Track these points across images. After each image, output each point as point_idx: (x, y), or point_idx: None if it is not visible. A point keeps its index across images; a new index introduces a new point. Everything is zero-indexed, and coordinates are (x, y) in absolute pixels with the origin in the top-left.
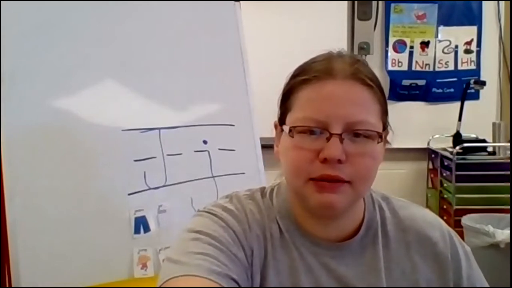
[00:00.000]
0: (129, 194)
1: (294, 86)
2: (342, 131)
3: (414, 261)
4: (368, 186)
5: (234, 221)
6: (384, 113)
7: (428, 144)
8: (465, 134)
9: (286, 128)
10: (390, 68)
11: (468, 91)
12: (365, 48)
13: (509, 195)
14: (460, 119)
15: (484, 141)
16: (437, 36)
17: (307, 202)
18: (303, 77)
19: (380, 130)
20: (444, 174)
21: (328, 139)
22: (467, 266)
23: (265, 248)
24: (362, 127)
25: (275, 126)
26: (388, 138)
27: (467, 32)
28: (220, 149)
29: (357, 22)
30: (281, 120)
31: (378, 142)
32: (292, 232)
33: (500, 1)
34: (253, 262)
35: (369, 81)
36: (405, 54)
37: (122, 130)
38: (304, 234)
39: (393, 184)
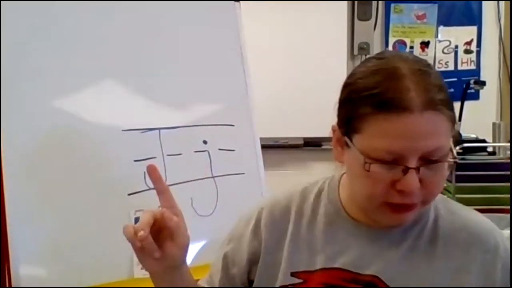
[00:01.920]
0: (129, 194)
1: (362, 107)
2: (418, 163)
3: (460, 262)
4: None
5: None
6: (453, 125)
7: None
8: (465, 134)
9: (355, 152)
10: None
11: (468, 91)
12: (365, 48)
13: (509, 195)
14: (460, 119)
15: (484, 141)
16: (437, 36)
17: (378, 219)
18: (375, 101)
19: (450, 146)
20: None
21: (404, 172)
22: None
23: (284, 231)
24: (437, 154)
25: (334, 131)
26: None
27: (467, 32)
28: (220, 149)
29: (357, 22)
30: (345, 131)
31: (449, 162)
32: (336, 216)
33: (500, 1)
34: (265, 251)
35: (443, 106)
36: None
37: (122, 130)
38: (348, 218)
39: None
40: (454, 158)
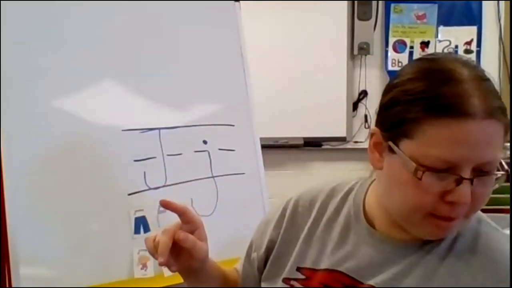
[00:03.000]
0: (129, 194)
1: (415, 110)
2: (472, 174)
3: (462, 283)
4: None
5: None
6: (506, 133)
7: None
8: None
9: (403, 158)
10: (390, 68)
11: None
12: (365, 48)
13: (509, 195)
14: None
15: None
16: (437, 36)
17: (417, 230)
18: (432, 105)
19: (503, 158)
20: None
21: (457, 182)
22: None
23: (303, 224)
24: (491, 167)
25: (373, 134)
26: None
27: (467, 32)
28: (220, 149)
29: (357, 22)
30: (390, 135)
31: (498, 176)
32: (355, 220)
33: (500, 1)
34: (281, 240)
35: (502, 116)
36: (405, 54)
37: (122, 130)
38: (365, 221)
39: None
40: (506, 171)
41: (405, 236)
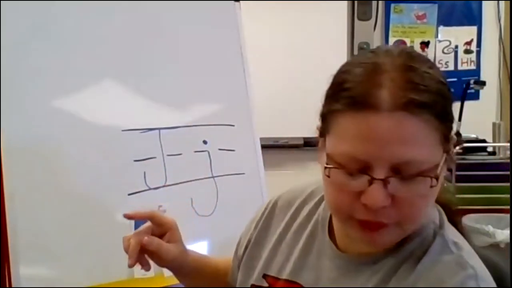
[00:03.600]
0: (129, 194)
1: (335, 103)
2: (386, 174)
3: None
4: (418, 223)
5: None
6: (446, 136)
7: None
8: (465, 134)
9: (324, 154)
10: None
11: (468, 91)
12: (365, 48)
13: (509, 195)
14: (460, 119)
15: (484, 141)
16: (437, 36)
17: (350, 233)
18: (343, 96)
19: (437, 161)
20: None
21: (370, 183)
22: None
23: (275, 228)
24: (411, 169)
25: (317, 129)
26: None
27: (467, 32)
28: (220, 149)
29: (357, 22)
30: (321, 132)
31: (432, 183)
32: (321, 229)
33: (500, 1)
34: (254, 241)
35: (424, 109)
36: None
37: (122, 130)
38: (328, 235)
39: None
40: (437, 177)
41: (360, 248)
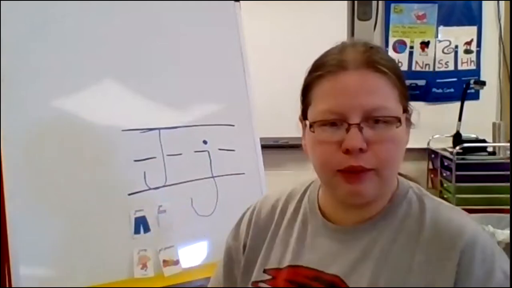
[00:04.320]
0: (129, 194)
1: (310, 81)
2: (361, 120)
3: (416, 260)
4: (394, 171)
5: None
6: (403, 97)
7: (428, 144)
8: (465, 134)
9: (307, 123)
10: None
11: (468, 91)
12: None
13: (509, 195)
14: (460, 119)
15: (484, 141)
16: (437, 36)
17: (337, 192)
18: (318, 72)
19: (399, 114)
20: (444, 174)
21: (347, 130)
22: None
23: (266, 229)
24: (380, 113)
25: (300, 121)
26: (413, 119)
27: (467, 32)
28: (220, 149)
29: (357, 22)
30: (304, 115)
31: (397, 127)
32: (311, 214)
33: (500, 1)
34: (248, 248)
35: (383, 67)
36: (405, 54)
37: (122, 130)
38: (321, 215)
39: None
40: (410, 125)
41: (354, 218)
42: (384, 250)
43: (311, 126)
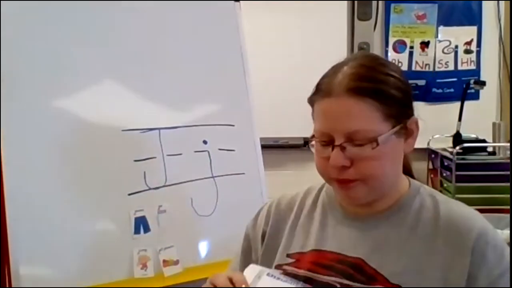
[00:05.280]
0: (129, 194)
1: (311, 100)
2: (344, 140)
3: (436, 245)
4: (383, 180)
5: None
6: (390, 115)
7: (428, 144)
8: (465, 134)
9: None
10: None
11: (468, 91)
12: (365, 48)
13: (509, 195)
14: (460, 119)
15: (484, 141)
16: (437, 36)
17: (337, 195)
18: (313, 95)
19: (382, 133)
20: (444, 174)
21: (332, 149)
22: (488, 270)
23: (286, 219)
24: (360, 136)
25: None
26: (420, 125)
27: (467, 32)
28: (220, 149)
29: (357, 22)
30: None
31: (374, 147)
32: (330, 206)
33: (500, 1)
34: (268, 236)
35: (363, 93)
36: (405, 54)
37: (122, 130)
38: (339, 206)
39: None
40: (377, 143)
41: (369, 210)
42: (404, 237)
43: (310, 141)
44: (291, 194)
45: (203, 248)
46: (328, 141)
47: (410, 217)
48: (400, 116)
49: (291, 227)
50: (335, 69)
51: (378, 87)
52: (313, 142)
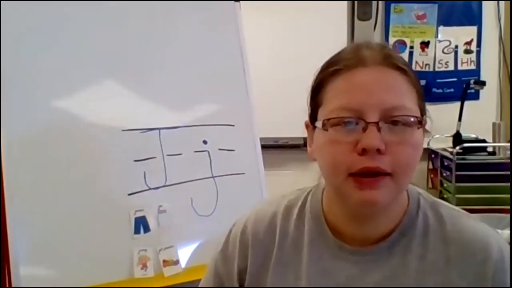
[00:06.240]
0: (129, 194)
1: (323, 79)
2: (379, 119)
3: (450, 278)
4: (409, 178)
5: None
6: (421, 98)
7: (428, 144)
8: (465, 134)
9: (319, 123)
10: None
11: (468, 91)
12: None
13: (509, 195)
14: (460, 119)
15: (484, 141)
16: (437, 36)
17: (348, 200)
18: (333, 68)
19: (419, 115)
20: (444, 174)
21: (364, 129)
22: None
23: (269, 253)
24: (400, 113)
25: (306, 126)
26: (427, 127)
27: (467, 32)
28: (220, 149)
29: (357, 22)
30: (313, 117)
31: (418, 128)
32: (319, 233)
33: (500, 1)
34: (250, 274)
35: (402, 65)
36: (405, 54)
37: (122, 130)
38: (332, 235)
39: None
40: (425, 132)
41: (368, 233)
42: (412, 270)
43: (324, 124)
44: (266, 214)
45: (203, 248)
46: (356, 120)
47: (416, 243)
48: (423, 106)
49: (276, 263)
50: (354, 47)
51: (409, 67)
52: (326, 127)
